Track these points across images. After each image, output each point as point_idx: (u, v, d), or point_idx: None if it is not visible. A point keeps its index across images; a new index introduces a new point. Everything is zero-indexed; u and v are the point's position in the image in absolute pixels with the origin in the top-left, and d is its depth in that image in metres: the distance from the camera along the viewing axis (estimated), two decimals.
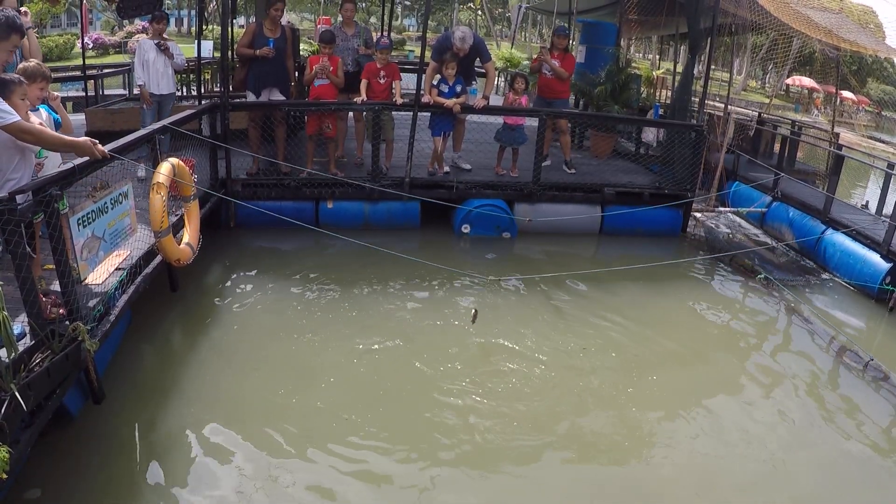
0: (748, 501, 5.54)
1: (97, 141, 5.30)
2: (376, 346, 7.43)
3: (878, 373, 7.72)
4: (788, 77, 41.71)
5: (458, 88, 10.84)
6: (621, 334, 8.11)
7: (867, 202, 13.43)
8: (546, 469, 5.71)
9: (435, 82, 10.85)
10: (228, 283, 8.71)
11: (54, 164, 5.95)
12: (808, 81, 39.97)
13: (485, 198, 11.11)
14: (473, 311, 7.47)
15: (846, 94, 37.93)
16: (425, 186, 11.04)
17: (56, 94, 6.41)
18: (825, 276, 10.73)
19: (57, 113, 6.23)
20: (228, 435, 5.79)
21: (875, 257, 9.94)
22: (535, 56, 12.46)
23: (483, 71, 12.01)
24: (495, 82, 11.65)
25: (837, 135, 14.67)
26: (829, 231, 11.01)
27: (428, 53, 10.98)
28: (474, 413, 6.32)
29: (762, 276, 10.20)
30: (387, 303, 8.52)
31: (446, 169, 11.50)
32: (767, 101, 30.43)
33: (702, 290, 9.99)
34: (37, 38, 7.63)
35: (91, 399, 5.85)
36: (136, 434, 5.66)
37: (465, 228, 10.98)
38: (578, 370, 7.24)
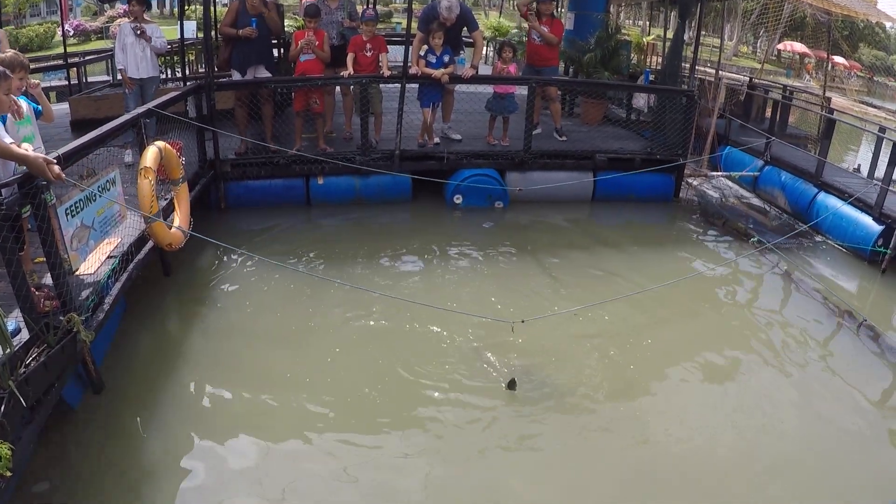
0: (749, 465, 5.57)
1: (54, 161, 4.96)
2: (372, 323, 7.44)
3: (872, 333, 7.76)
4: (779, 42, 41.55)
5: (446, 59, 10.75)
6: (616, 301, 8.09)
7: (859, 165, 13.41)
8: (548, 443, 5.72)
9: (422, 53, 10.76)
10: (222, 265, 8.67)
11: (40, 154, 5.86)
12: (799, 47, 39.68)
13: (476, 168, 11.06)
14: (511, 380, 6.31)
15: (837, 59, 37.78)
16: (416, 158, 11.00)
17: (37, 82, 6.32)
18: (818, 238, 10.73)
19: (38, 102, 6.14)
20: (229, 417, 5.81)
21: (867, 220, 9.95)
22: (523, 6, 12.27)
23: (471, 40, 11.90)
24: (484, 51, 11.54)
25: (829, 99, 14.62)
26: (822, 194, 11.00)
27: (414, 25, 10.86)
28: (473, 386, 6.34)
29: (755, 239, 10.20)
30: (380, 277, 8.51)
31: (436, 140, 11.44)
32: (759, 66, 30.31)
33: (696, 254, 9.98)
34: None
35: (91, 390, 5.83)
36: (138, 422, 5.64)
37: (457, 199, 10.93)
38: (575, 337, 7.27)
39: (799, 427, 6.13)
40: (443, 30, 10.54)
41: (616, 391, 6.44)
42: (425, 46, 10.74)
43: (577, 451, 5.68)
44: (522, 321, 6.24)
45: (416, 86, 10.96)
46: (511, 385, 6.23)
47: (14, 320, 4.94)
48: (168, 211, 7.74)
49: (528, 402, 6.14)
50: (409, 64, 10.51)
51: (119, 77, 11.08)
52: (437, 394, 6.25)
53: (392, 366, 6.62)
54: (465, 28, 11.25)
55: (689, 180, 12.92)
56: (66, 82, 14.50)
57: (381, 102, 11.09)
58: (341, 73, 10.43)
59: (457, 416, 5.95)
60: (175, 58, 14.82)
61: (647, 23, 27.96)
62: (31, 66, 6.09)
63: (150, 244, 7.20)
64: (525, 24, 13.62)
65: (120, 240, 6.74)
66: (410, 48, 10.57)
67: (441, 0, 10.64)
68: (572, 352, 7.03)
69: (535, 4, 11.92)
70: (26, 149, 4.94)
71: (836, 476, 5.56)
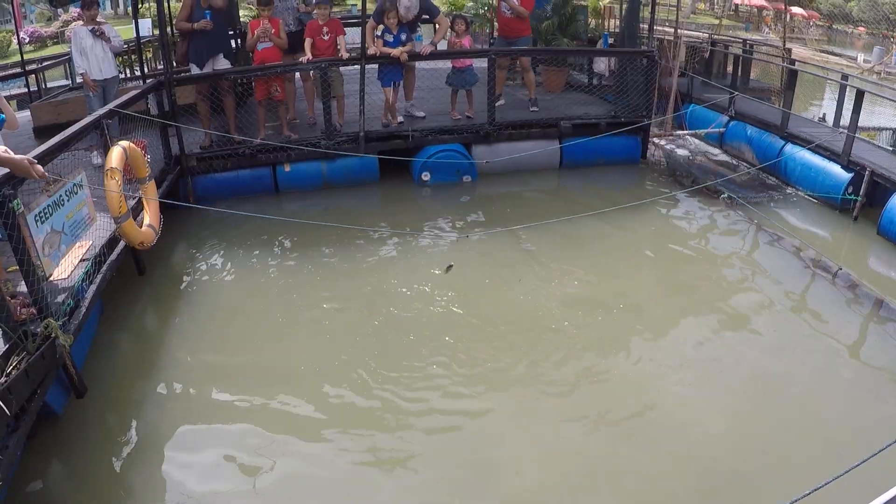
0: (735, 419, 5.65)
1: (35, 161, 4.94)
2: (348, 305, 7.45)
3: (848, 281, 7.84)
4: None
5: (403, 37, 10.70)
6: (590, 266, 8.14)
7: (824, 115, 13.51)
8: (532, 409, 5.77)
9: (379, 33, 10.70)
10: (194, 259, 8.63)
11: None
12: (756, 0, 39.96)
13: (442, 143, 11.06)
14: (449, 265, 7.15)
15: (795, 9, 38.05)
16: (381, 139, 10.96)
17: None
18: (788, 190, 10.82)
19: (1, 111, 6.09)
20: (211, 411, 5.82)
21: (836, 168, 10.02)
22: None
23: (426, 17, 11.87)
24: (447, 30, 11.53)
25: (790, 50, 14.67)
26: (789, 145, 11.08)
27: (370, 6, 10.80)
28: (451, 360, 6.39)
29: (725, 195, 10.27)
30: (352, 260, 8.49)
31: (400, 119, 11.41)
32: (717, 22, 30.43)
33: (666, 214, 10.02)
34: None
35: (74, 394, 5.80)
36: (123, 423, 5.64)
37: (425, 176, 10.92)
38: (552, 303, 7.31)
39: (781, 377, 6.20)
40: (395, 9, 10.50)
41: (597, 354, 6.50)
42: (381, 26, 10.68)
43: (565, 420, 5.72)
44: (467, 236, 7.31)
45: (376, 67, 10.89)
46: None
47: None
48: (137, 210, 7.69)
49: (519, 381, 6.19)
50: (367, 46, 10.45)
51: (79, 80, 10.94)
52: (415, 364, 6.35)
53: (378, 357, 6.56)
54: (425, 15, 11.25)
55: (655, 141, 13.00)
56: (26, 89, 14.29)
57: (343, 85, 11.01)
58: (300, 59, 10.37)
59: (445, 404, 5.95)
60: (133, 56, 14.67)
61: None
62: None
63: (121, 244, 7.17)
64: None
65: (91, 242, 6.70)
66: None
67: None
68: (549, 319, 7.07)
69: None
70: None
71: (823, 424, 5.64)
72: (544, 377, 6.15)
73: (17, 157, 4.85)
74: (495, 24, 16.81)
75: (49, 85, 15.63)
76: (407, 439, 5.46)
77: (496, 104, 11.43)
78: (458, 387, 6.05)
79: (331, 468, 5.19)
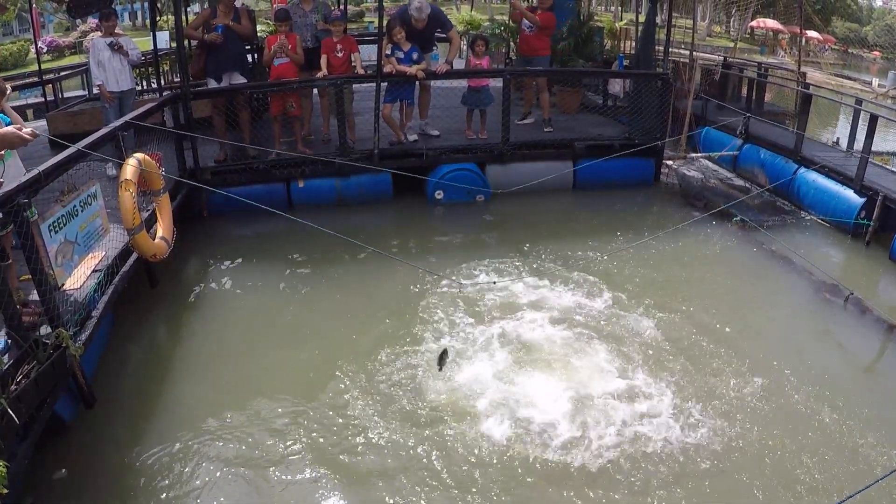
0: (746, 438, 5.63)
1: (20, 126, 5.07)
2: (361, 323, 7.44)
3: (859, 306, 7.81)
4: (752, 20, 41.77)
5: (415, 55, 10.75)
6: (602, 287, 8.12)
7: (837, 139, 13.49)
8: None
9: (389, 51, 10.73)
10: (207, 274, 8.66)
11: (18, 172, 5.84)
12: (772, 23, 39.84)
13: (455, 163, 11.07)
14: (442, 351, 6.68)
15: (811, 33, 38.02)
16: (395, 156, 10.98)
17: None
18: (801, 214, 10.80)
19: (6, 115, 6.17)
20: (220, 424, 5.81)
21: (849, 193, 10.01)
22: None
23: (443, 36, 11.91)
24: (460, 47, 11.55)
25: (804, 74, 14.67)
26: (802, 169, 11.06)
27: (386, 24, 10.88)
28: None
29: (738, 218, 10.24)
30: (366, 278, 8.50)
31: (414, 137, 11.43)
32: (732, 45, 30.42)
33: (678, 236, 9.96)
34: None
35: (83, 404, 5.82)
36: (131, 434, 5.65)
37: (439, 195, 10.93)
38: (564, 324, 7.26)
39: (790, 401, 6.17)
40: (398, 24, 10.57)
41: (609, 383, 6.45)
42: (390, 45, 10.71)
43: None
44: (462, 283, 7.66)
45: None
46: (441, 359, 6.50)
47: (2, 338, 4.93)
48: (151, 222, 7.72)
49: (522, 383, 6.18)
50: (383, 63, 10.50)
51: (95, 91, 11.02)
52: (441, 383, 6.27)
53: (391, 364, 6.60)
54: (439, 29, 11.28)
55: (669, 163, 12.97)
56: (43, 99, 14.42)
57: (351, 103, 11.05)
58: (316, 75, 10.42)
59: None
60: (150, 69, 14.78)
61: (619, 8, 28.06)
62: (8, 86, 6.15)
63: (134, 256, 7.20)
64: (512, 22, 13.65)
65: (104, 253, 6.74)
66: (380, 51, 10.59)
67: (411, 1, 10.63)
68: (555, 335, 7.07)
69: None
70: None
71: (835, 450, 5.60)
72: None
73: (1, 129, 4.95)
74: (512, 43, 17.00)
75: (66, 95, 15.77)
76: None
77: (523, 122, 11.40)
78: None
79: (338, 488, 5.18)
